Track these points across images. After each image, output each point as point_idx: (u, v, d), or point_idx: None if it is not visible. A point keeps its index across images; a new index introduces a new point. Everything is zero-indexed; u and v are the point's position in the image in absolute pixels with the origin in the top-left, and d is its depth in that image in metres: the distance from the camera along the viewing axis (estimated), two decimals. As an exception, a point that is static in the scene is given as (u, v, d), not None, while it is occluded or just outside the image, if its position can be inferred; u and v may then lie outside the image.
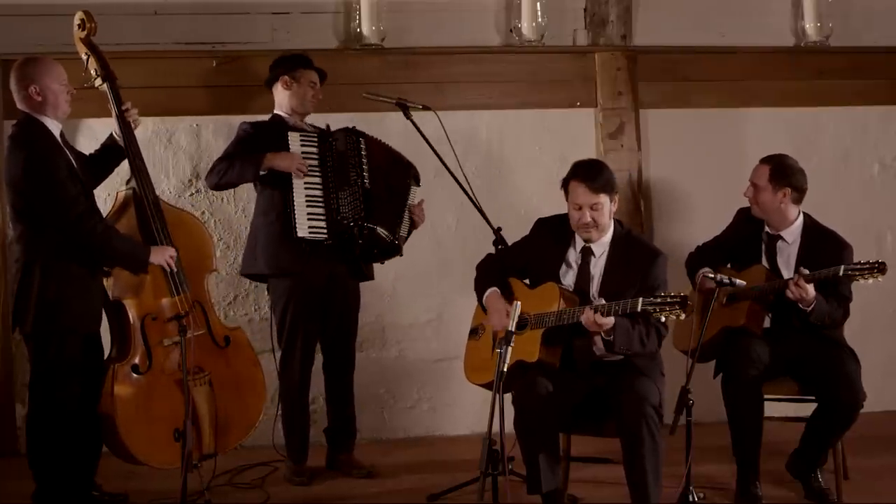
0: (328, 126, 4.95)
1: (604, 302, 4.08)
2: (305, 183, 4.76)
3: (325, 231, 4.75)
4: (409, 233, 4.97)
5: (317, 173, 4.79)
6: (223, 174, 4.79)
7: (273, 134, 4.82)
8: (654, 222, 5.78)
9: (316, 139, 4.83)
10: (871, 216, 5.93)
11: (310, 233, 4.73)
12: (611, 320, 4.04)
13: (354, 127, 4.93)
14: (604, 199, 4.23)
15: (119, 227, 4.46)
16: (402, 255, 4.95)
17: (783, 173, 4.59)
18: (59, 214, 4.23)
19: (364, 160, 4.85)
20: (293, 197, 4.74)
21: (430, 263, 5.60)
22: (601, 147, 5.71)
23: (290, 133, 4.80)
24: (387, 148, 4.96)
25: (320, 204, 4.76)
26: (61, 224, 4.24)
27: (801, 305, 4.41)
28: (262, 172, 4.76)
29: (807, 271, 4.38)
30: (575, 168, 4.29)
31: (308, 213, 4.74)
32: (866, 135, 5.99)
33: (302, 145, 4.80)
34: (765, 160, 4.66)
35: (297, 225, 4.72)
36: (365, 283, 5.05)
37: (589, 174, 4.24)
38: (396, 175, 4.92)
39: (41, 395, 4.30)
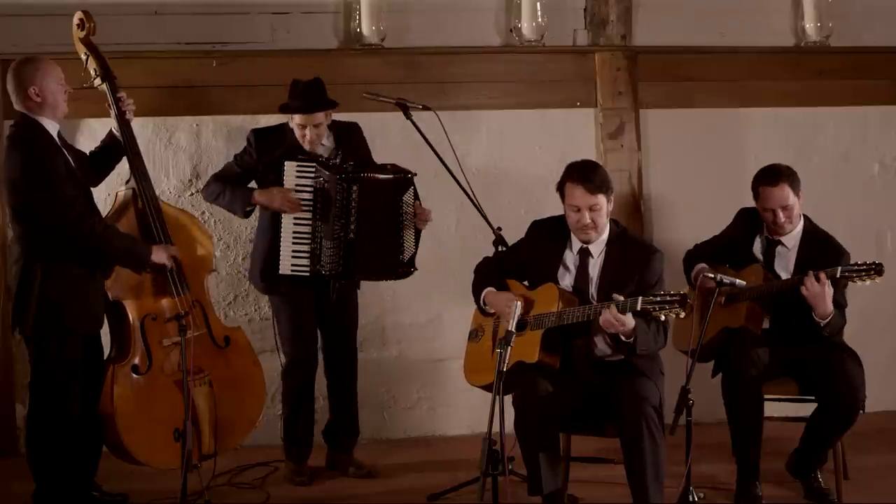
0: (349, 123, 4.93)
1: (622, 298, 4.04)
2: (295, 219, 4.74)
3: (307, 270, 4.74)
4: (417, 241, 4.90)
5: (308, 207, 4.75)
6: (215, 197, 4.85)
7: (275, 156, 4.76)
8: (654, 222, 5.77)
9: (313, 172, 4.75)
10: (871, 216, 5.93)
11: (292, 271, 4.73)
12: (632, 321, 4.02)
13: (350, 173, 4.72)
14: (602, 199, 4.21)
15: (118, 227, 4.46)
16: (416, 270, 4.90)
17: (795, 180, 4.55)
18: (58, 215, 4.22)
19: (353, 207, 4.71)
20: (281, 231, 4.74)
21: (430, 263, 5.58)
22: (601, 147, 5.71)
23: (286, 164, 4.74)
24: (379, 183, 4.76)
25: (306, 241, 4.74)
26: (60, 224, 4.23)
27: (815, 316, 4.38)
28: (248, 209, 4.80)
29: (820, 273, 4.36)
30: (570, 170, 4.28)
31: (293, 251, 4.73)
32: (866, 135, 5.98)
33: (297, 177, 4.75)
34: (774, 181, 4.54)
35: (281, 262, 4.73)
36: (365, 283, 5.05)
37: (585, 175, 4.22)
38: (387, 208, 4.78)
39: (41, 396, 4.30)
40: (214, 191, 4.83)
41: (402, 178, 4.79)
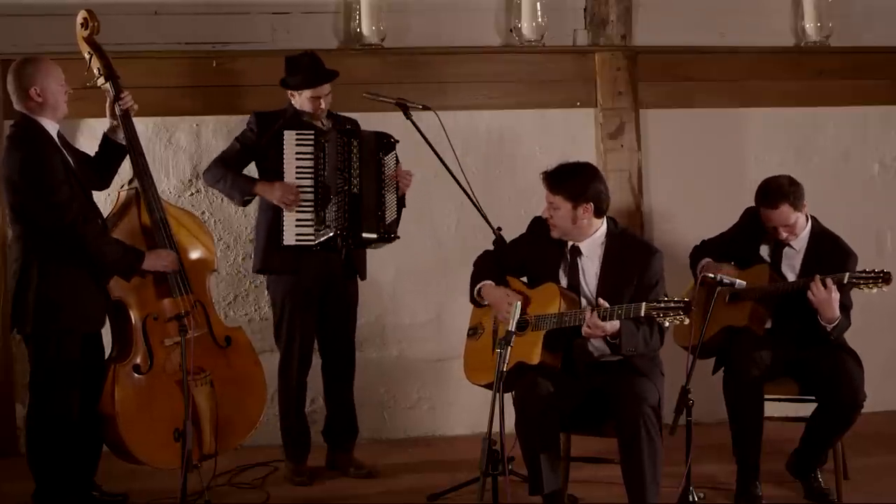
0: (345, 116, 4.96)
1: (607, 305, 4.07)
2: (298, 187, 4.76)
3: (312, 238, 4.75)
4: (400, 209, 4.93)
5: (309, 176, 4.77)
6: (216, 181, 4.86)
7: (275, 133, 4.79)
8: (654, 222, 5.78)
9: (312, 139, 4.79)
10: (871, 216, 5.93)
11: (296, 241, 4.75)
12: (616, 325, 4.03)
13: (348, 127, 4.89)
14: (559, 201, 4.21)
15: (121, 228, 4.47)
16: (398, 238, 4.91)
17: (795, 196, 4.53)
18: (52, 218, 4.22)
19: (355, 162, 4.79)
20: None
21: (430, 263, 5.60)
22: (601, 147, 5.71)
23: (285, 133, 4.78)
24: (370, 139, 4.86)
25: (309, 209, 4.76)
26: (55, 227, 4.23)
27: (821, 320, 4.40)
28: (246, 199, 4.82)
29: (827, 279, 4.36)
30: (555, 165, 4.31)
31: (297, 220, 4.75)
32: (866, 135, 5.98)
33: (297, 145, 4.78)
34: (774, 202, 4.50)
35: (284, 233, 4.74)
36: (365, 282, 5.05)
37: (553, 174, 4.25)
38: (373, 160, 4.86)
39: (41, 396, 4.30)
40: (216, 174, 4.84)
41: (387, 138, 4.89)
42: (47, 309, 4.24)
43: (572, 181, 4.23)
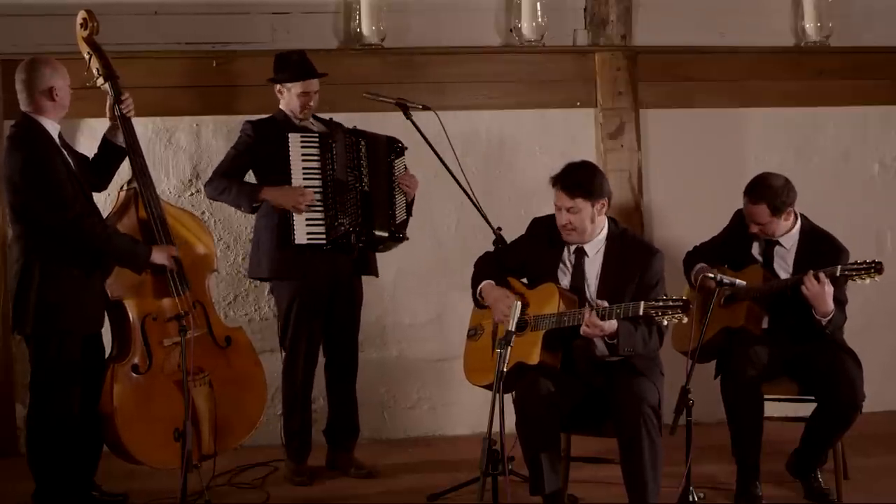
0: (331, 119, 4.94)
1: (606, 304, 4.07)
2: (305, 187, 4.75)
3: (323, 237, 4.75)
4: (409, 210, 4.95)
5: (317, 176, 4.78)
6: (220, 193, 4.84)
7: (274, 138, 4.79)
8: (654, 222, 5.78)
9: (317, 141, 4.81)
10: (871, 216, 5.93)
11: (308, 239, 4.74)
12: (613, 324, 4.03)
13: (355, 126, 4.92)
14: (581, 203, 4.20)
15: (120, 227, 4.47)
16: (408, 239, 4.93)
17: (780, 202, 4.53)
18: (57, 215, 4.22)
19: (364, 161, 4.83)
20: None
21: (430, 263, 5.60)
22: (601, 147, 5.71)
23: (290, 135, 4.78)
24: (380, 140, 4.91)
25: (319, 209, 4.76)
26: (60, 225, 4.23)
27: (816, 315, 4.40)
28: (255, 206, 4.80)
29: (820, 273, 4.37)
30: (561, 169, 4.29)
31: (307, 219, 4.74)
32: (866, 135, 5.99)
33: (302, 147, 4.78)
34: (755, 198, 4.54)
35: (295, 232, 4.72)
36: (365, 282, 5.04)
37: (567, 177, 4.22)
38: (384, 162, 4.89)
39: (41, 396, 4.30)
40: (219, 186, 4.83)
41: (398, 142, 4.92)
42: (48, 309, 4.24)
43: (588, 180, 4.24)
